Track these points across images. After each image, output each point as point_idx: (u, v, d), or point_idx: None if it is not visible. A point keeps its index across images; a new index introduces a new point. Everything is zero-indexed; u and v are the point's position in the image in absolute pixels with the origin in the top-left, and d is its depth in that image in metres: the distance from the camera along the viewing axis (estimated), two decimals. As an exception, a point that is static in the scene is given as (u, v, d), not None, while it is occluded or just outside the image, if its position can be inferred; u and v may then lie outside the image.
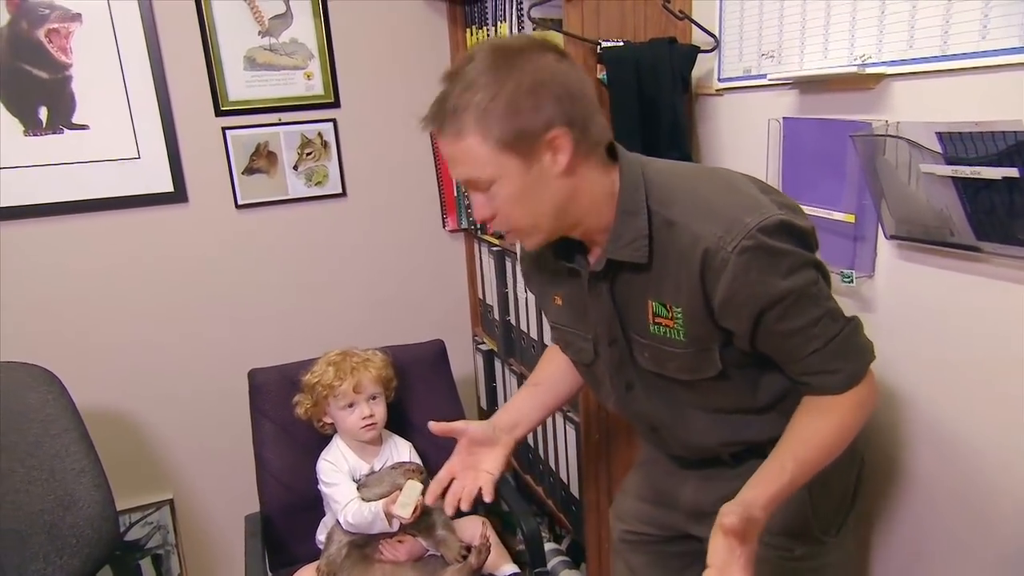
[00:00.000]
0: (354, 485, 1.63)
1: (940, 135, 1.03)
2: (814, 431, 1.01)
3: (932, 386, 1.22)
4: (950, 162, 1.03)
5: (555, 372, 1.33)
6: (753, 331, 0.98)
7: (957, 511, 1.22)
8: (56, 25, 1.83)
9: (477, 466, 1.23)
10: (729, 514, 0.88)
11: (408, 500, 1.48)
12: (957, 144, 1.01)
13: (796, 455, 0.98)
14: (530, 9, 1.56)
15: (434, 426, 1.23)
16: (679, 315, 1.01)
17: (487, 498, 1.20)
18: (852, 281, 1.27)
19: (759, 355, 1.02)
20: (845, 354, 0.99)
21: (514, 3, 1.79)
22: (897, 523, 1.35)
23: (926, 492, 1.28)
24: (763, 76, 1.41)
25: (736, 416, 1.10)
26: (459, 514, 1.67)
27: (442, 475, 1.22)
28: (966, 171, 1.00)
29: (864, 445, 1.23)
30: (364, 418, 1.65)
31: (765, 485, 0.96)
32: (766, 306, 0.95)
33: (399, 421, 1.81)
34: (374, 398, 1.68)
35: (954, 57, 1.06)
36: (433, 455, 1.77)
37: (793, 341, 0.98)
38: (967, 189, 1.02)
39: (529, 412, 1.31)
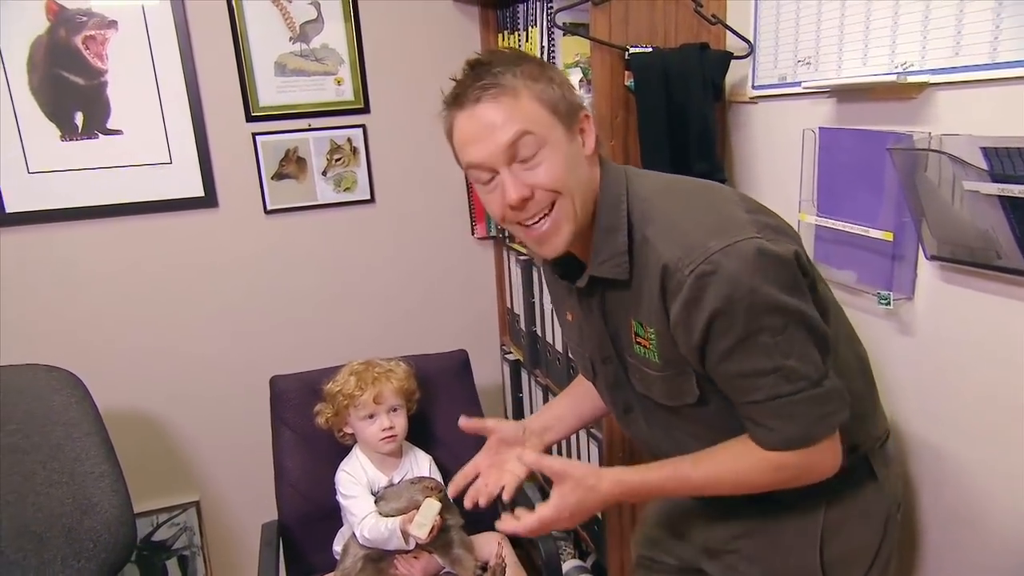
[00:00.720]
0: (372, 499, 1.60)
1: (985, 150, 0.95)
2: (717, 461, 0.99)
3: (969, 415, 1.14)
4: (996, 179, 0.95)
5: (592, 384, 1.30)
6: (699, 360, 0.94)
7: (988, 538, 1.13)
8: (93, 32, 1.86)
9: (503, 465, 1.23)
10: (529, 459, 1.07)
11: (425, 520, 1.46)
12: (1004, 160, 0.93)
13: (680, 468, 1.00)
14: (556, 13, 1.51)
15: (464, 422, 1.25)
16: (652, 336, 0.98)
17: (506, 497, 1.20)
18: (890, 303, 1.19)
19: None
20: (788, 416, 0.92)
21: (544, 8, 1.75)
22: (927, 552, 1.26)
23: (955, 524, 1.19)
24: (799, 84, 1.34)
25: None
26: (477, 528, 1.67)
27: (468, 469, 1.23)
28: (1014, 190, 0.92)
29: (902, 492, 1.15)
30: (384, 430, 1.62)
31: (634, 472, 1.03)
32: (710, 336, 0.89)
33: (419, 432, 1.78)
34: (395, 410, 1.65)
35: (1004, 65, 0.98)
36: (454, 468, 1.72)
37: (735, 383, 0.93)
38: (1015, 209, 0.94)
39: (562, 419, 1.31)
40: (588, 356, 1.13)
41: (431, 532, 1.43)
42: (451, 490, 1.24)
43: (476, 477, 1.21)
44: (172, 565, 2.18)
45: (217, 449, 2.18)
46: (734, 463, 0.98)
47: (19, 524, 1.45)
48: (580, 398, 1.31)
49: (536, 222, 0.96)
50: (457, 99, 0.96)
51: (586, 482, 1.01)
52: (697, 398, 0.99)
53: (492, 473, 1.21)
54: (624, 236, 0.96)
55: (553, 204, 0.95)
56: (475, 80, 0.93)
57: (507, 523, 1.05)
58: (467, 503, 1.20)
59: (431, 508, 1.48)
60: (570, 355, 1.30)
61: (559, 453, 2.00)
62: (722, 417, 1.00)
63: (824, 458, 0.96)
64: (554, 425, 1.28)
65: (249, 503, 2.20)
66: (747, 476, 0.97)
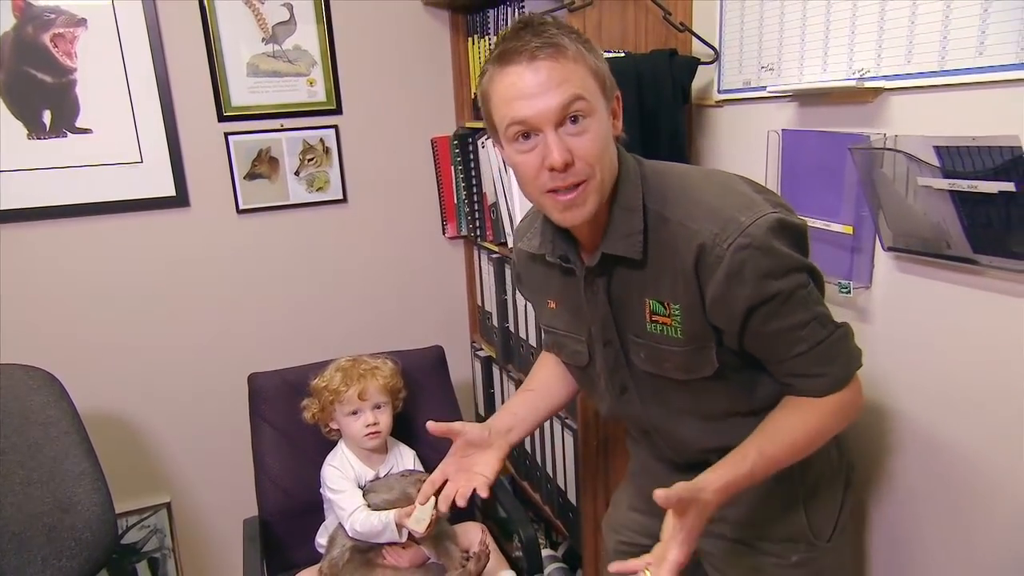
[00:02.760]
0: (360, 492, 1.63)
1: (938, 149, 1.04)
2: (786, 429, 1.02)
3: (927, 396, 1.24)
4: (947, 176, 1.04)
5: (549, 378, 1.34)
6: (741, 330, 0.99)
7: (952, 519, 1.24)
8: (62, 30, 1.84)
9: (471, 468, 1.22)
10: (668, 490, 0.91)
11: (423, 515, 1.47)
12: (955, 158, 1.02)
13: (762, 449, 1.00)
14: (533, 19, 1.57)
15: (432, 426, 1.22)
16: (677, 312, 1.02)
17: (484, 494, 1.18)
18: (849, 292, 1.28)
19: (751, 356, 1.04)
20: (831, 359, 1.00)
21: (515, 12, 1.81)
22: (890, 529, 1.36)
23: (918, 499, 1.29)
24: (763, 88, 1.43)
25: (729, 420, 1.10)
26: (459, 518, 1.70)
27: (436, 476, 1.22)
28: (963, 185, 1.02)
29: (854, 456, 1.25)
30: (368, 426, 1.65)
31: (723, 471, 0.98)
32: (755, 304, 0.96)
33: (399, 427, 1.81)
34: (379, 407, 1.67)
35: (951, 72, 1.08)
36: (435, 462, 1.73)
37: (779, 342, 1.00)
38: (964, 202, 1.04)
39: (524, 416, 1.30)
40: (584, 340, 1.16)
41: (429, 526, 1.46)
42: (420, 498, 1.22)
43: (444, 483, 1.20)
44: (143, 568, 2.15)
45: (189, 450, 2.17)
46: (807, 422, 1.02)
47: (-2, 525, 1.44)
48: (537, 395, 1.33)
49: (574, 189, 0.96)
50: (509, 54, 0.93)
51: (699, 496, 0.94)
52: (714, 370, 1.04)
53: (461, 477, 1.20)
54: (640, 216, 1.01)
55: (587, 178, 0.96)
56: (534, 36, 0.92)
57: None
58: (443, 507, 1.19)
59: (428, 502, 1.51)
60: (550, 346, 1.31)
61: (531, 446, 2.06)
62: (726, 389, 1.07)
63: (859, 393, 1.04)
64: (516, 425, 1.28)
65: (222, 503, 2.19)
66: (819, 430, 1.02)
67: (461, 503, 1.18)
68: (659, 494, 0.90)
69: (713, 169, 1.12)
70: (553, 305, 1.20)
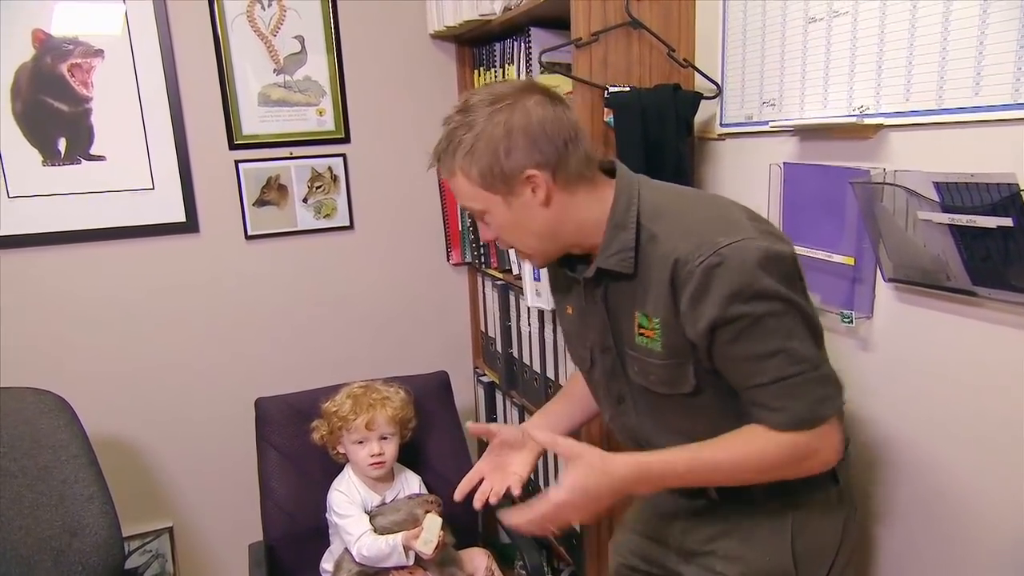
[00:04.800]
0: (366, 517, 1.63)
1: (937, 184, 1.08)
2: (730, 449, 1.03)
3: (927, 425, 1.25)
4: (947, 210, 1.07)
5: (586, 386, 1.37)
6: (708, 347, 1.02)
7: (950, 549, 1.25)
8: (79, 60, 1.89)
9: (505, 467, 1.31)
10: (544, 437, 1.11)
11: (431, 537, 1.49)
12: (954, 193, 1.06)
13: (697, 458, 1.04)
14: (541, 55, 1.62)
15: (472, 426, 1.38)
16: (658, 326, 1.06)
17: (515, 492, 1.28)
18: (851, 322, 1.31)
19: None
20: (793, 397, 0.99)
21: (522, 46, 1.86)
22: (893, 560, 1.37)
23: (918, 530, 1.30)
24: (765, 123, 1.47)
25: None
26: (465, 544, 1.71)
27: (472, 474, 1.30)
28: (962, 219, 1.05)
29: (858, 495, 1.24)
30: (373, 455, 1.66)
31: (645, 458, 1.05)
32: (717, 324, 0.98)
33: (405, 452, 1.82)
34: (386, 438, 1.68)
35: (949, 111, 1.12)
36: (440, 489, 1.78)
37: (741, 368, 1.01)
38: (963, 236, 1.07)
39: (559, 420, 1.37)
40: (588, 346, 1.21)
41: (436, 548, 1.47)
42: (457, 494, 1.30)
43: (480, 481, 1.28)
44: (144, 594, 2.15)
45: (192, 474, 2.17)
46: (749, 446, 1.02)
47: (6, 547, 1.45)
48: (573, 402, 1.39)
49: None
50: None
51: (601, 464, 1.01)
52: (693, 387, 1.07)
53: (496, 476, 1.29)
54: (632, 234, 1.06)
55: (511, 248, 1.14)
56: (443, 143, 1.08)
57: (515, 515, 1.07)
58: (477, 504, 1.28)
59: (435, 524, 1.52)
60: (567, 351, 1.39)
61: (535, 471, 2.07)
62: (712, 407, 1.09)
63: (830, 442, 1.03)
64: (551, 428, 1.33)
65: (224, 528, 2.19)
66: (761, 458, 1.02)
67: (493, 500, 1.28)
68: (536, 436, 1.16)
69: (715, 195, 1.16)
70: (570, 311, 1.26)
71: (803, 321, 1.00)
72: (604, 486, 1.02)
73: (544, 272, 1.62)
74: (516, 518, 1.06)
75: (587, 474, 1.02)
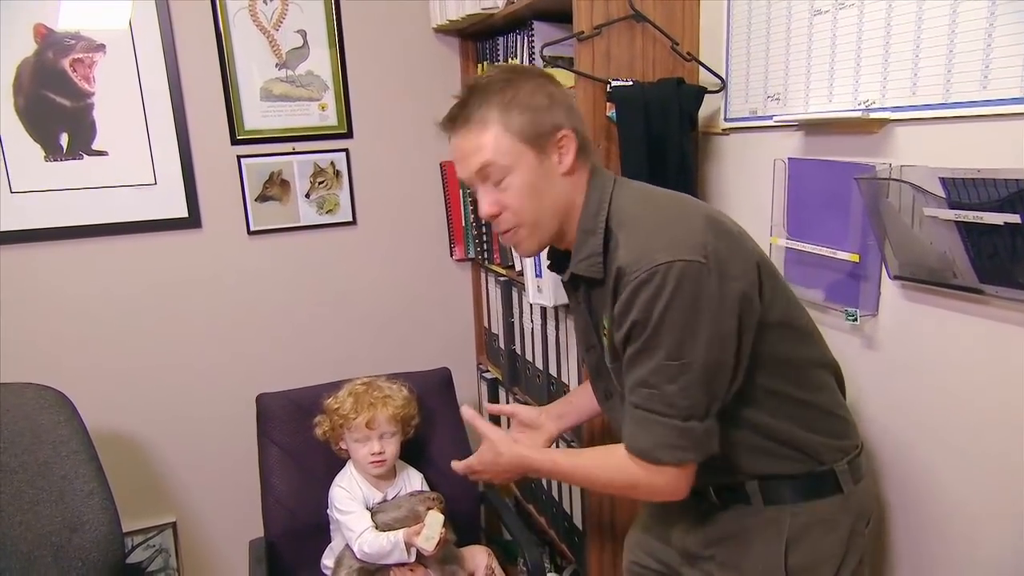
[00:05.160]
0: (368, 514, 1.63)
1: (943, 180, 1.06)
2: (589, 458, 1.17)
3: (932, 424, 1.23)
4: (953, 206, 1.05)
5: None
6: (623, 354, 1.05)
7: (952, 548, 1.23)
8: (81, 55, 1.88)
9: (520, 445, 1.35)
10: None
11: (432, 533, 1.49)
12: (960, 189, 1.04)
13: (562, 459, 1.20)
14: (543, 49, 1.60)
15: (490, 407, 1.51)
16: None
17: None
18: (856, 320, 1.29)
19: None
20: (646, 429, 1.02)
21: (525, 40, 1.84)
22: (890, 559, 1.35)
23: (917, 532, 1.28)
24: (769, 117, 1.45)
25: None
26: (466, 542, 1.70)
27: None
28: (969, 216, 1.03)
29: (872, 507, 1.20)
30: (373, 454, 1.65)
31: (530, 452, 1.23)
32: (628, 338, 1.02)
33: (407, 449, 1.82)
34: (387, 436, 1.68)
35: (956, 105, 1.10)
36: (442, 486, 1.78)
37: (627, 381, 1.05)
38: (970, 233, 1.05)
39: (579, 406, 1.42)
40: (580, 343, 1.28)
41: (438, 544, 1.46)
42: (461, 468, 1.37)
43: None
44: (147, 588, 2.15)
45: (196, 469, 2.17)
46: (598, 459, 1.13)
47: (7, 543, 1.45)
48: (589, 392, 1.40)
49: (506, 232, 1.13)
50: (444, 126, 1.12)
51: (496, 447, 1.23)
52: None
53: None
54: (599, 239, 1.07)
55: (515, 225, 1.11)
56: (458, 108, 1.08)
57: (456, 464, 1.33)
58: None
59: (437, 520, 1.52)
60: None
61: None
62: None
63: (667, 483, 1.05)
64: (569, 412, 1.40)
65: (228, 524, 2.19)
66: (601, 473, 1.12)
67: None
68: (464, 411, 1.36)
69: (688, 199, 1.13)
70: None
71: (702, 372, 0.99)
72: (497, 465, 1.24)
73: (546, 270, 1.61)
74: (457, 465, 1.33)
75: (487, 451, 1.25)
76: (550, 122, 1.07)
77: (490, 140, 1.05)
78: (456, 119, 1.08)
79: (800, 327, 1.12)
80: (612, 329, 1.07)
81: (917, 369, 1.24)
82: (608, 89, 1.54)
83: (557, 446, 1.64)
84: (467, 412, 1.36)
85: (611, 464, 1.09)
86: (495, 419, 1.90)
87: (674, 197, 1.15)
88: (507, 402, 2.27)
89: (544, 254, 1.28)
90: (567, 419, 1.42)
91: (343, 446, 1.70)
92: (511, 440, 1.25)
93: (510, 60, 1.96)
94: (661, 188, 1.17)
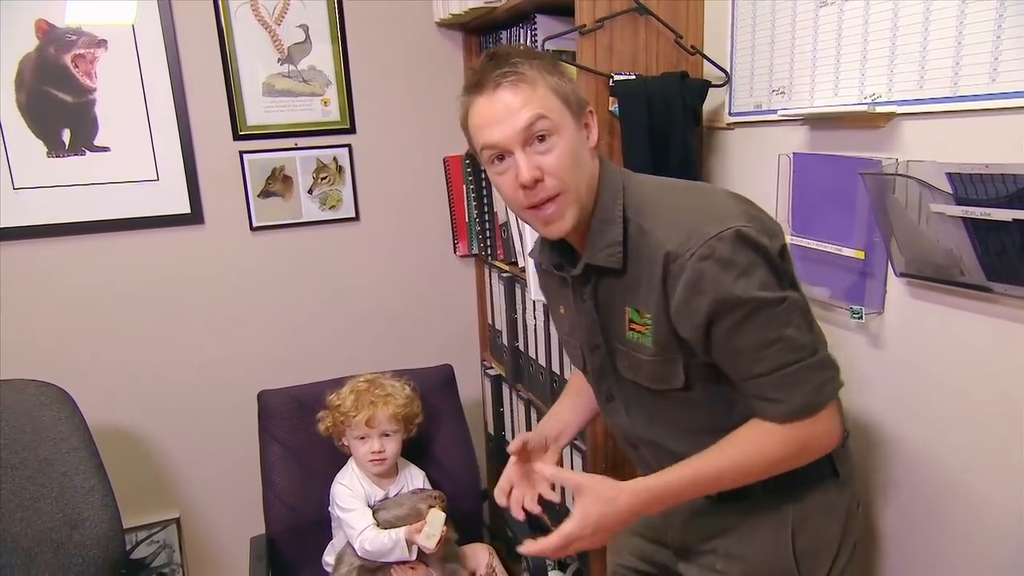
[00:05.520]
0: (369, 511, 1.62)
1: (951, 175, 1.03)
2: (737, 451, 1.02)
3: (939, 424, 1.21)
4: (960, 202, 1.03)
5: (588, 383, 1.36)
6: (705, 341, 1.00)
7: (957, 549, 1.21)
8: (83, 51, 1.88)
9: (531, 473, 1.28)
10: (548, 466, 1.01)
11: (434, 531, 1.49)
12: (968, 185, 1.01)
13: (702, 469, 1.02)
14: (545, 42, 1.58)
15: (512, 448, 1.26)
16: (649, 321, 1.04)
17: (550, 497, 1.26)
18: (862, 317, 1.27)
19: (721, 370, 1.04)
20: (792, 386, 0.98)
21: (528, 33, 1.82)
22: (900, 562, 1.33)
23: (923, 532, 1.26)
24: (774, 111, 1.42)
25: (713, 436, 1.08)
26: (468, 539, 1.70)
27: (503, 483, 1.28)
28: (976, 212, 1.00)
29: (861, 489, 1.22)
30: (373, 452, 1.65)
31: (648, 483, 1.02)
32: (713, 317, 0.96)
33: (408, 446, 1.81)
34: (387, 435, 1.67)
35: (964, 98, 1.07)
36: (444, 483, 1.77)
37: (740, 359, 0.99)
38: (978, 230, 1.02)
39: (571, 421, 1.36)
40: (578, 345, 1.20)
41: (439, 542, 1.45)
42: (499, 498, 1.27)
43: (512, 489, 1.26)
44: (151, 584, 2.16)
45: (199, 465, 2.17)
46: (749, 445, 1.01)
47: (7, 539, 1.45)
48: (580, 400, 1.38)
49: (545, 203, 1.02)
50: (478, 85, 1.02)
51: (606, 494, 1.01)
52: (683, 383, 1.05)
53: (524, 483, 1.27)
54: (619, 228, 1.04)
55: (559, 192, 1.02)
56: (496, 67, 1.01)
57: (529, 546, 1.05)
58: (515, 513, 1.25)
59: (438, 518, 1.51)
60: (565, 351, 1.37)
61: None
62: (703, 400, 1.07)
63: (827, 428, 1.01)
64: (565, 429, 1.35)
65: (231, 519, 2.20)
66: (763, 455, 1.01)
67: (533, 509, 1.24)
68: (545, 472, 1.09)
69: (699, 183, 1.15)
70: (563, 311, 1.24)
71: (796, 307, 0.99)
72: (610, 516, 1.01)
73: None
74: (530, 548, 1.05)
75: (594, 504, 1.01)
76: (582, 95, 1.06)
77: (542, 95, 1.00)
78: (505, 73, 0.99)
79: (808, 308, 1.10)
80: (663, 317, 1.01)
81: (923, 368, 1.22)
82: (611, 83, 1.52)
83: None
84: (546, 470, 1.15)
85: (766, 443, 1.00)
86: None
87: (688, 182, 1.16)
88: (511, 400, 2.26)
89: (538, 255, 1.21)
90: (565, 436, 1.34)
91: (345, 442, 1.70)
92: (615, 481, 1.03)
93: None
94: (670, 178, 1.16)
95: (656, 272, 1.00)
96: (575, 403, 1.38)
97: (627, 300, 1.07)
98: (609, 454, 1.71)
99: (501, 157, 1.02)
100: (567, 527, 1.01)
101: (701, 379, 1.05)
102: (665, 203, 1.04)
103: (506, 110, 1.00)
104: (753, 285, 0.95)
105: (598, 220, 1.06)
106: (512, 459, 1.27)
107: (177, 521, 2.17)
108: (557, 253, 1.16)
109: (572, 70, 1.11)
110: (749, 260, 0.95)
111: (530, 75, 1.00)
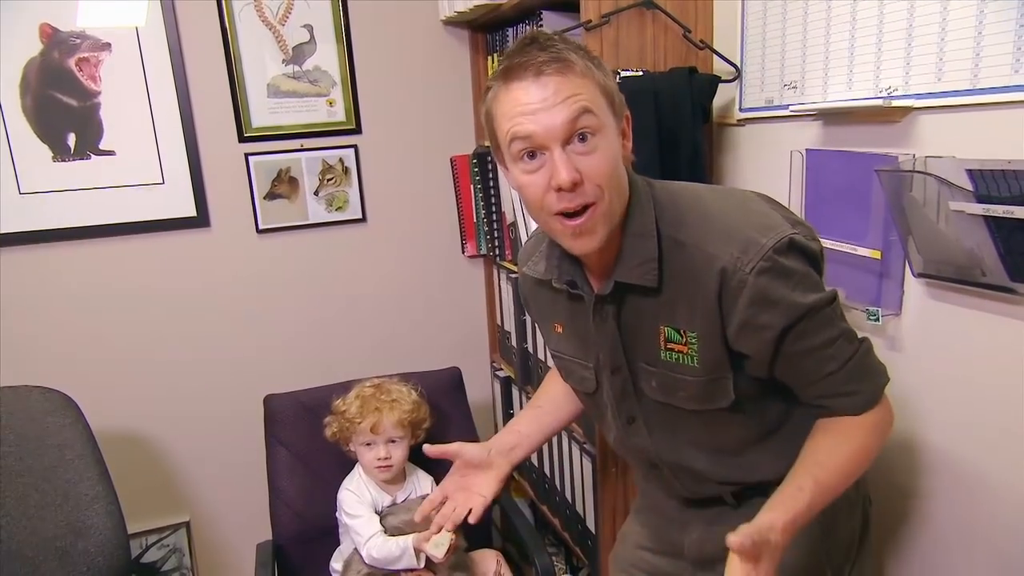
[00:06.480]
0: (377, 518, 1.60)
1: (971, 172, 0.99)
2: (831, 454, 0.97)
3: (959, 429, 1.17)
4: (981, 200, 0.99)
5: (557, 395, 1.31)
6: (774, 354, 0.95)
7: (978, 555, 1.17)
8: (87, 54, 1.87)
9: (470, 488, 1.23)
10: (738, 534, 0.84)
11: (443, 540, 1.45)
12: (989, 182, 0.97)
13: (816, 478, 0.94)
14: (549, 39, 1.55)
15: (428, 449, 1.24)
16: (694, 340, 0.98)
17: (473, 520, 1.20)
18: (878, 319, 1.22)
19: (770, 383, 1.00)
20: (861, 375, 0.97)
21: (535, 30, 1.79)
22: (913, 567, 1.29)
23: (943, 537, 1.22)
24: (786, 107, 1.38)
25: (743, 451, 1.06)
26: (477, 544, 1.67)
27: (435, 495, 1.23)
28: (998, 210, 0.96)
29: (871, 487, 1.19)
30: (379, 459, 1.62)
31: (783, 508, 0.91)
32: (787, 327, 0.92)
33: (416, 451, 1.77)
34: (394, 441, 1.64)
35: (985, 91, 1.03)
36: (450, 487, 1.74)
37: (810, 362, 0.96)
38: (1000, 228, 0.98)
39: (529, 435, 1.29)
40: (592, 367, 1.11)
41: (448, 551, 1.43)
42: (417, 516, 1.23)
43: (443, 502, 1.21)
44: (161, 588, 2.15)
45: (208, 469, 2.17)
46: (847, 445, 0.97)
47: (12, 547, 1.44)
48: (544, 412, 1.31)
49: (577, 212, 0.91)
50: (514, 69, 0.88)
51: (762, 536, 0.87)
52: (731, 402, 1.00)
53: (460, 496, 1.21)
54: (654, 243, 0.96)
55: (596, 200, 0.91)
56: (541, 51, 0.88)
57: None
58: (433, 528, 1.21)
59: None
60: (561, 372, 1.24)
61: (550, 471, 2.02)
62: (736, 421, 1.03)
63: (889, 406, 1.00)
64: (520, 442, 1.27)
65: (241, 523, 2.19)
66: (863, 449, 0.98)
67: (449, 527, 1.21)
68: (732, 540, 0.83)
69: (725, 187, 1.09)
70: (560, 329, 1.16)
71: (837, 300, 0.97)
72: (778, 548, 0.88)
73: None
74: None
75: (771, 568, 0.88)
76: (623, 99, 0.95)
77: (591, 88, 0.89)
78: (552, 59, 0.87)
79: None
80: (714, 335, 0.95)
81: (944, 371, 1.18)
82: (617, 80, 1.48)
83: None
84: (733, 541, 0.88)
85: (861, 439, 0.97)
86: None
87: (713, 187, 1.09)
88: (521, 402, 2.23)
89: (543, 269, 1.09)
90: (519, 451, 1.26)
91: (352, 448, 1.68)
92: (750, 526, 0.87)
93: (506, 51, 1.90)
94: (695, 183, 1.09)
95: (707, 289, 0.93)
96: (539, 416, 1.31)
97: (661, 319, 1.00)
98: (619, 458, 1.68)
99: (532, 154, 0.90)
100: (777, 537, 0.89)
101: (747, 395, 1.01)
102: (703, 213, 0.97)
103: (548, 100, 0.87)
104: (812, 291, 0.93)
105: (631, 235, 0.97)
106: (452, 469, 1.23)
107: (187, 525, 2.16)
108: (570, 269, 1.04)
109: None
110: (804, 267, 0.93)
111: (580, 65, 0.88)
